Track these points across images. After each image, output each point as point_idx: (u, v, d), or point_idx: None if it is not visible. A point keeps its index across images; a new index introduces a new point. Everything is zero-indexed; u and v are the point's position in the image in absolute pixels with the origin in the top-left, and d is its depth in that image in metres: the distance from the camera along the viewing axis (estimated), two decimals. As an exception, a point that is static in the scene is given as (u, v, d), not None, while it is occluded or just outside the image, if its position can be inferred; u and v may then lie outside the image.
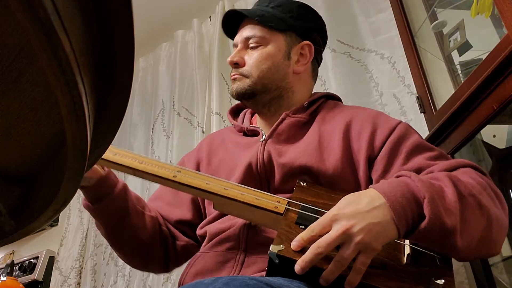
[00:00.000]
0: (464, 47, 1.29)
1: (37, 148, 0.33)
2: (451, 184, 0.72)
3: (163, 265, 1.02)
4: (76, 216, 2.23)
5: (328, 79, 1.66)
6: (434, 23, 1.42)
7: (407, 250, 0.73)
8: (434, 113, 1.25)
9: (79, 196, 1.96)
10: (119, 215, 0.92)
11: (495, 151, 1.22)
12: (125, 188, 0.94)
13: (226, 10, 2.14)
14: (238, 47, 1.02)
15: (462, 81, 1.21)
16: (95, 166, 0.87)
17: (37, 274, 2.07)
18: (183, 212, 1.04)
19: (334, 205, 0.70)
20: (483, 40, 1.32)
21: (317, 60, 1.09)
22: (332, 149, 0.90)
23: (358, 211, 0.66)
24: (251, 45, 1.00)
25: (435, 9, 1.44)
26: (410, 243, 0.74)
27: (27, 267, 2.11)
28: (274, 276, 0.67)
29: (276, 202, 0.81)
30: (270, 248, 0.67)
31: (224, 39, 2.04)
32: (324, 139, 0.92)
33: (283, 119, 0.97)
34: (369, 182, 0.88)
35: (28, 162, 0.35)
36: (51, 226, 2.33)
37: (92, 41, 0.27)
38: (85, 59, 0.25)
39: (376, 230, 0.65)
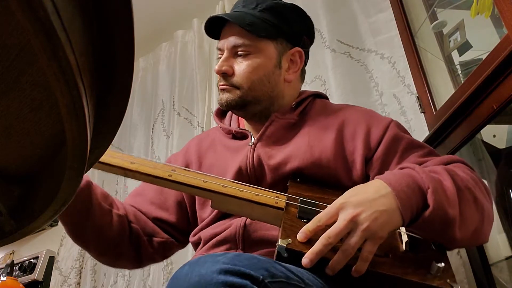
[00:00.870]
0: (464, 47, 1.29)
1: (37, 148, 0.33)
2: (449, 177, 0.74)
3: (135, 262, 0.99)
4: (76, 216, 2.23)
5: (328, 79, 1.66)
6: (434, 23, 1.41)
7: (405, 238, 0.74)
8: (434, 113, 1.25)
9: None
10: (81, 214, 0.88)
11: (495, 151, 1.22)
12: (89, 186, 0.89)
13: (226, 10, 2.14)
14: (225, 54, 0.97)
15: (462, 81, 1.21)
16: None
17: (37, 274, 2.06)
18: (166, 214, 1.01)
19: (331, 198, 0.72)
20: (483, 40, 1.32)
21: (305, 62, 1.07)
22: (324, 148, 0.90)
23: (364, 199, 0.68)
24: (240, 53, 0.95)
25: (435, 9, 1.44)
26: (407, 230, 0.75)
27: (27, 267, 2.11)
28: None
29: (275, 197, 0.81)
30: (279, 242, 0.67)
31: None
32: (314, 139, 0.92)
33: (272, 121, 0.96)
34: (366, 179, 0.89)
35: (28, 162, 0.35)
36: (51, 226, 2.33)
37: (92, 41, 0.27)
38: (85, 59, 0.25)
39: (382, 218, 0.66)
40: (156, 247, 0.99)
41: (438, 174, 0.75)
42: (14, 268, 2.10)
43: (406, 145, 0.90)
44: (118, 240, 0.93)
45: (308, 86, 1.70)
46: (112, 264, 1.01)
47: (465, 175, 0.78)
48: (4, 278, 1.75)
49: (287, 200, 0.80)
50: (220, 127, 1.05)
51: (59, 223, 2.31)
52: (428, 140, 1.19)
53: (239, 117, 1.07)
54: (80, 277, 2.05)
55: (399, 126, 0.95)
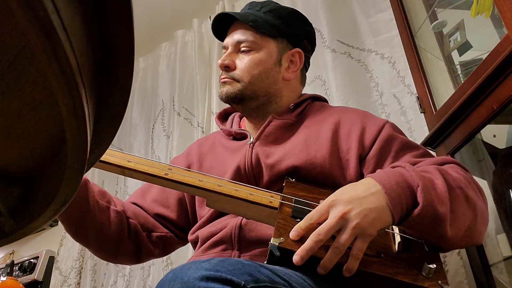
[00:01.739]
0: (464, 47, 1.29)
1: (37, 148, 0.33)
2: (441, 176, 0.75)
3: (134, 257, 1.01)
4: (76, 216, 2.23)
5: (328, 79, 1.66)
6: (434, 23, 1.41)
7: (398, 238, 0.75)
8: (434, 113, 1.25)
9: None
10: (78, 211, 0.89)
11: (495, 151, 1.22)
12: (85, 184, 0.90)
13: (226, 9, 2.14)
14: (229, 50, 1.03)
15: (462, 81, 1.21)
16: None
17: (37, 274, 2.06)
18: (168, 211, 1.03)
19: (325, 198, 0.72)
20: (483, 40, 1.32)
21: (306, 67, 1.10)
22: (319, 148, 0.91)
23: (354, 197, 0.68)
24: (243, 49, 1.00)
25: (435, 9, 1.44)
26: (400, 231, 0.76)
27: (27, 267, 2.11)
28: None
29: (270, 197, 0.82)
30: (271, 241, 0.68)
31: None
32: (311, 138, 0.93)
33: (270, 122, 0.98)
34: (360, 178, 0.89)
35: (28, 162, 0.35)
36: (51, 226, 2.33)
37: (92, 41, 0.27)
38: (85, 59, 0.25)
39: (372, 215, 0.66)
40: (155, 242, 1.01)
41: (430, 173, 0.76)
42: (14, 268, 2.09)
43: (400, 145, 0.91)
44: (116, 236, 0.95)
45: (308, 86, 1.70)
46: (111, 259, 1.02)
47: (458, 175, 0.79)
48: (4, 278, 1.75)
49: (281, 199, 0.81)
50: (221, 129, 1.09)
51: (59, 223, 2.31)
52: (428, 140, 1.19)
53: (240, 120, 1.11)
54: (80, 277, 2.05)
55: (394, 127, 0.97)
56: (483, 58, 1.01)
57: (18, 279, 1.96)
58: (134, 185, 2.03)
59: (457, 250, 1.14)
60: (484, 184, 1.16)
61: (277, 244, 0.67)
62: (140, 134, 2.26)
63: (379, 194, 0.69)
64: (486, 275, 1.04)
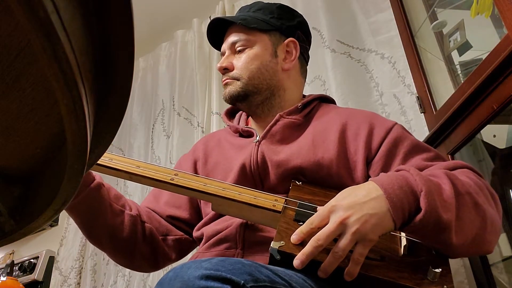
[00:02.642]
0: (464, 47, 1.29)
1: (37, 148, 0.33)
2: (449, 181, 0.72)
3: (151, 262, 1.00)
4: (76, 216, 2.23)
5: (328, 79, 1.65)
6: (434, 23, 1.42)
7: (404, 242, 0.74)
8: (434, 113, 1.25)
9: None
10: (92, 214, 0.90)
11: (495, 151, 1.22)
12: (99, 187, 0.91)
13: (226, 9, 2.14)
14: (226, 54, 1.05)
15: (462, 81, 1.21)
16: None
17: (37, 274, 2.06)
18: (180, 211, 1.04)
19: None
20: (483, 40, 1.32)
21: (304, 57, 1.11)
22: (326, 149, 0.90)
23: (355, 202, 0.67)
24: (238, 49, 1.02)
25: (435, 9, 1.44)
26: (406, 234, 0.75)
27: (27, 267, 2.11)
28: None
29: (273, 200, 0.82)
30: (271, 245, 0.68)
31: (224, 39, 2.04)
32: (318, 139, 0.93)
33: (277, 120, 0.98)
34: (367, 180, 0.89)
35: (28, 162, 0.35)
36: (51, 226, 2.33)
37: (92, 41, 0.27)
38: (85, 59, 0.25)
39: (372, 221, 0.66)
40: (171, 245, 1.01)
41: (437, 178, 0.74)
42: (14, 268, 2.09)
43: (409, 147, 0.88)
44: (131, 240, 0.95)
45: (308, 86, 1.70)
46: (128, 264, 1.02)
47: (468, 180, 0.76)
48: (4, 278, 1.75)
49: (285, 203, 0.80)
50: (228, 125, 1.09)
51: (59, 223, 2.31)
52: (428, 140, 1.19)
53: (247, 118, 1.11)
54: (80, 277, 2.05)
55: (403, 129, 0.94)
56: (483, 58, 1.01)
57: (18, 279, 1.96)
58: (134, 185, 2.03)
59: (457, 250, 1.14)
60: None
61: (277, 247, 0.67)
62: (140, 134, 2.26)
63: (380, 199, 0.68)
64: (486, 275, 1.03)
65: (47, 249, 2.17)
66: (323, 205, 0.75)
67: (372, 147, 0.90)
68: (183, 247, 1.04)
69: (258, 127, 1.05)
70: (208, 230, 0.93)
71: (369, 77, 1.59)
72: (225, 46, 1.06)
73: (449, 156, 1.13)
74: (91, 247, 2.09)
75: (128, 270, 1.91)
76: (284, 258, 0.67)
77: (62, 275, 2.08)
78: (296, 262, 0.65)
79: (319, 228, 0.67)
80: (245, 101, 1.02)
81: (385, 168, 0.87)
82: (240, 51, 1.02)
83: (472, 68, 1.18)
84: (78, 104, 0.24)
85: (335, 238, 0.66)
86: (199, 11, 2.28)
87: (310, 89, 1.68)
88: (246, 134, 1.03)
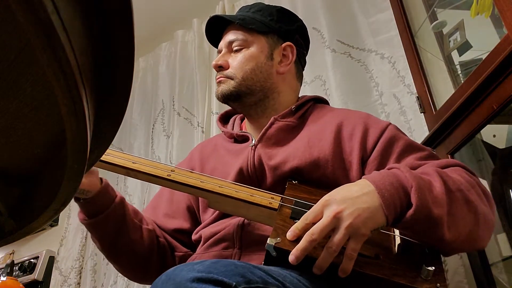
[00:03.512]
0: (464, 47, 1.29)
1: (37, 148, 0.33)
2: (440, 178, 0.73)
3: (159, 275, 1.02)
4: (76, 216, 2.22)
5: (328, 79, 1.65)
6: (434, 23, 1.42)
7: (398, 241, 0.74)
8: (434, 113, 1.25)
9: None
10: (116, 230, 0.92)
11: (495, 151, 1.22)
12: (122, 202, 0.93)
13: (226, 9, 2.14)
14: (222, 52, 1.05)
15: (462, 81, 1.22)
16: (93, 177, 0.87)
17: (37, 274, 2.06)
18: (180, 222, 1.04)
19: None
20: (483, 40, 1.32)
21: (301, 62, 1.11)
22: (322, 149, 0.91)
23: (348, 197, 0.68)
24: (235, 48, 1.02)
25: (435, 9, 1.44)
26: (400, 233, 0.76)
27: (27, 267, 2.11)
28: None
29: (270, 198, 0.83)
30: (268, 241, 0.69)
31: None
32: (313, 140, 0.93)
33: (272, 124, 0.98)
34: None
35: (28, 162, 0.35)
36: (51, 226, 2.33)
37: (92, 41, 0.27)
38: (85, 59, 0.25)
39: (365, 215, 0.66)
40: (177, 262, 1.02)
41: (428, 175, 0.75)
42: (14, 268, 2.09)
43: (403, 147, 0.89)
44: (147, 255, 0.97)
45: (308, 86, 1.70)
46: (139, 279, 1.04)
47: (460, 178, 0.77)
48: (4, 278, 1.75)
49: (281, 201, 0.81)
50: (222, 131, 1.09)
51: (59, 223, 2.31)
52: (428, 140, 1.19)
53: (241, 123, 1.11)
54: (80, 277, 2.05)
55: (397, 129, 0.96)
56: (483, 58, 1.01)
57: (18, 279, 1.96)
58: (134, 186, 2.03)
59: (457, 250, 1.14)
60: (484, 184, 1.15)
61: (273, 244, 0.68)
62: (140, 134, 2.26)
63: (372, 194, 0.69)
64: (486, 275, 1.04)
65: (47, 249, 2.17)
66: None
67: (367, 147, 0.91)
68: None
69: (253, 129, 1.05)
70: (206, 232, 0.93)
71: (369, 77, 1.59)
72: (222, 44, 1.05)
73: (449, 156, 1.13)
74: (91, 247, 2.09)
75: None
76: (281, 255, 0.67)
77: (62, 275, 2.08)
78: (291, 257, 0.66)
79: (314, 223, 0.68)
80: (238, 101, 1.02)
81: (380, 167, 0.88)
82: (236, 51, 1.02)
83: (472, 68, 1.18)
84: (78, 104, 0.24)
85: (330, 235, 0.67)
86: (199, 11, 2.28)
87: (310, 89, 1.68)
88: (241, 139, 1.03)
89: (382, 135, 0.91)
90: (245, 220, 0.87)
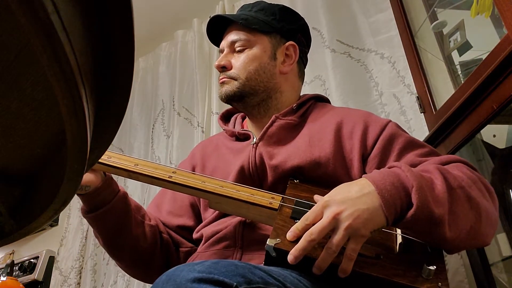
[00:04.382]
0: (464, 47, 1.29)
1: (37, 148, 0.33)
2: (441, 176, 0.73)
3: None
4: (76, 216, 2.23)
5: (328, 79, 1.66)
6: (434, 23, 1.42)
7: (399, 240, 0.74)
8: (434, 113, 1.25)
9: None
10: (117, 224, 0.91)
11: (495, 151, 1.22)
12: (125, 196, 0.93)
13: (226, 9, 2.14)
14: (225, 52, 1.04)
15: (462, 81, 1.22)
16: (94, 172, 0.87)
17: (37, 274, 2.06)
18: (184, 219, 1.04)
19: None
20: (483, 40, 1.32)
21: (303, 61, 1.11)
22: (323, 148, 0.91)
23: (348, 197, 0.68)
24: (237, 48, 1.02)
25: (435, 9, 1.44)
26: (402, 232, 0.75)
27: (27, 267, 2.11)
28: None
29: (270, 198, 0.82)
30: (267, 242, 0.68)
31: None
32: (314, 139, 0.93)
33: (273, 122, 0.98)
34: None
35: (28, 162, 0.35)
36: (51, 226, 2.33)
37: (92, 41, 0.27)
38: (85, 59, 0.25)
39: (364, 216, 0.66)
40: (182, 257, 1.02)
41: (430, 173, 0.74)
42: (14, 268, 2.09)
43: (404, 143, 0.89)
44: (150, 251, 0.96)
45: (308, 86, 1.70)
46: (142, 276, 1.02)
47: (461, 174, 0.77)
48: (4, 278, 1.75)
49: (282, 201, 0.81)
50: (224, 129, 1.09)
51: (59, 223, 2.32)
52: (428, 140, 1.19)
53: (243, 121, 1.11)
54: (80, 277, 2.05)
55: (397, 126, 0.95)
56: (483, 58, 1.01)
57: (18, 279, 1.96)
58: (134, 186, 2.03)
59: (457, 250, 1.14)
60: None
61: (273, 245, 0.68)
62: (140, 134, 2.26)
63: (372, 194, 0.68)
64: (486, 275, 1.04)
65: (47, 249, 2.17)
66: None
67: (367, 144, 0.91)
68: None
69: (255, 128, 1.05)
70: (207, 230, 0.93)
71: (369, 76, 1.59)
72: (224, 44, 1.05)
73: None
74: (91, 247, 2.09)
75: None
76: (280, 255, 0.67)
77: (62, 275, 2.08)
78: (290, 257, 0.66)
79: (314, 224, 0.68)
80: (241, 102, 1.02)
81: (381, 165, 0.88)
82: (239, 51, 1.01)
83: (472, 68, 1.18)
84: (78, 104, 0.24)
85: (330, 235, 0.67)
86: (199, 11, 2.28)
87: (310, 89, 1.68)
88: (243, 137, 1.03)
89: (382, 133, 0.91)
90: (246, 219, 0.88)
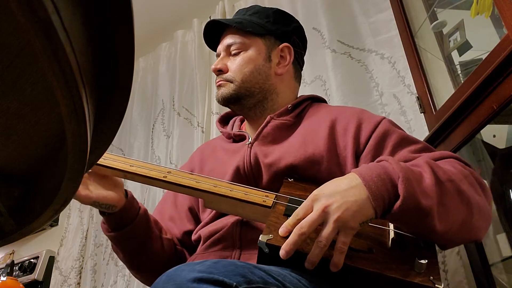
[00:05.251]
0: (464, 47, 1.29)
1: (37, 148, 0.33)
2: (430, 169, 0.73)
3: None
4: (76, 216, 2.23)
5: (328, 79, 1.66)
6: (434, 23, 1.42)
7: (392, 235, 0.75)
8: (434, 113, 1.25)
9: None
10: (139, 241, 0.93)
11: (495, 151, 1.22)
12: (146, 214, 0.95)
13: (226, 10, 2.14)
14: (221, 55, 1.06)
15: (462, 81, 1.22)
16: (117, 191, 0.88)
17: (37, 274, 2.06)
18: (184, 223, 1.05)
19: None
20: (483, 40, 1.32)
21: (299, 62, 1.11)
22: (317, 145, 0.91)
23: (336, 191, 0.69)
24: (233, 52, 1.04)
25: (435, 9, 1.44)
26: (394, 227, 0.76)
27: (27, 267, 2.11)
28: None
29: (264, 196, 0.83)
30: (260, 238, 0.69)
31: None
32: (308, 137, 0.94)
33: (268, 122, 1.00)
34: None
35: (28, 162, 0.35)
36: (51, 226, 2.33)
37: (92, 41, 0.27)
38: (85, 59, 0.25)
39: (353, 208, 0.66)
40: None
41: (419, 167, 0.74)
42: (14, 268, 2.09)
43: (397, 140, 0.89)
44: (168, 265, 0.97)
45: (308, 86, 1.70)
46: None
47: (452, 169, 0.77)
48: (4, 278, 1.75)
49: (276, 199, 0.82)
50: (221, 132, 1.11)
51: (59, 223, 2.32)
52: (428, 140, 1.19)
53: (241, 124, 1.12)
54: (80, 277, 2.05)
55: (391, 122, 0.95)
56: (483, 58, 1.01)
57: (18, 279, 1.96)
58: (134, 186, 2.03)
59: (456, 249, 1.14)
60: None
61: (265, 241, 0.69)
62: (140, 134, 2.26)
63: (360, 187, 0.69)
64: (486, 275, 1.04)
65: (47, 249, 2.17)
66: None
67: (361, 141, 0.91)
68: None
69: (251, 130, 1.06)
70: (204, 231, 0.94)
71: (369, 77, 1.59)
72: (220, 48, 1.07)
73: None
74: (91, 247, 2.09)
75: (128, 270, 1.91)
76: (273, 251, 0.68)
77: (62, 275, 2.08)
78: (281, 252, 0.66)
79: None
80: (238, 103, 1.03)
81: (374, 161, 0.88)
82: (235, 54, 1.03)
83: (472, 68, 1.18)
84: (78, 104, 0.24)
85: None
86: (199, 11, 2.28)
87: (310, 89, 1.68)
88: (239, 138, 1.04)
89: (376, 129, 0.91)
90: (243, 219, 0.88)
